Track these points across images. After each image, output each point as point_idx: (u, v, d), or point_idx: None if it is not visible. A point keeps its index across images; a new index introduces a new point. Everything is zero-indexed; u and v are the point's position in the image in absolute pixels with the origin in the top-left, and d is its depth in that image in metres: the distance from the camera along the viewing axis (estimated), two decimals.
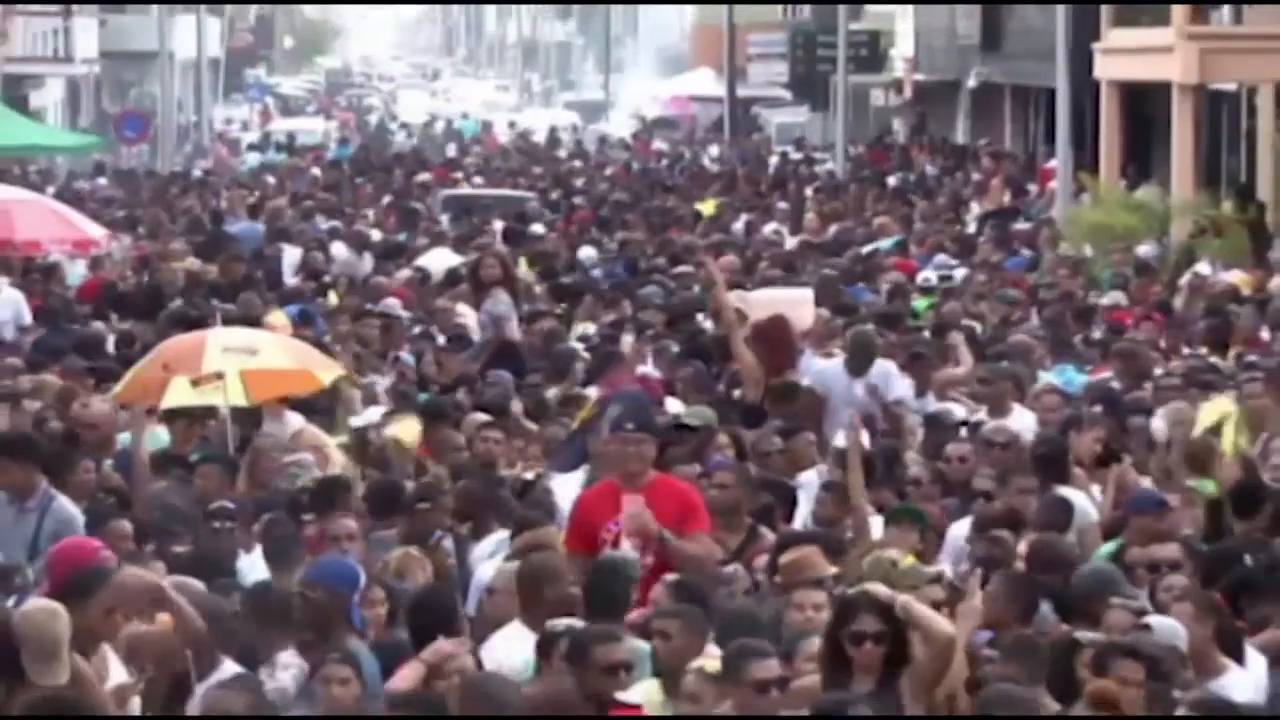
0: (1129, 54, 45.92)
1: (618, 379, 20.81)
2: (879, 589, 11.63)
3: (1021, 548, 14.64)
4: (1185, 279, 31.26)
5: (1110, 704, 11.05)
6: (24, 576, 14.02)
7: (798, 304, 24.85)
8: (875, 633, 11.31)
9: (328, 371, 20.23)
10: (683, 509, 14.28)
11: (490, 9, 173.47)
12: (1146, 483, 17.09)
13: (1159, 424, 18.79)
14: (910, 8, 65.21)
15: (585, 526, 14.37)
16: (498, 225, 39.07)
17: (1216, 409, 19.15)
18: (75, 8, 74.58)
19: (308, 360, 20.40)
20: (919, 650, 11.29)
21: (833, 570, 13.60)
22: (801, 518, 16.25)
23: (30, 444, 16.33)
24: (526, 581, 13.19)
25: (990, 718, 10.88)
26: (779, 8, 76.16)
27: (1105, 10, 46.53)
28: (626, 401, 15.62)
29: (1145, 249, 34.19)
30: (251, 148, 71.49)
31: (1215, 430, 18.61)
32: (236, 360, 19.45)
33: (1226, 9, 44.54)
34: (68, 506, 15.64)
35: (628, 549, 14.01)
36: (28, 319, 27.54)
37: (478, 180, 55.92)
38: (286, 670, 11.80)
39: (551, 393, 20.93)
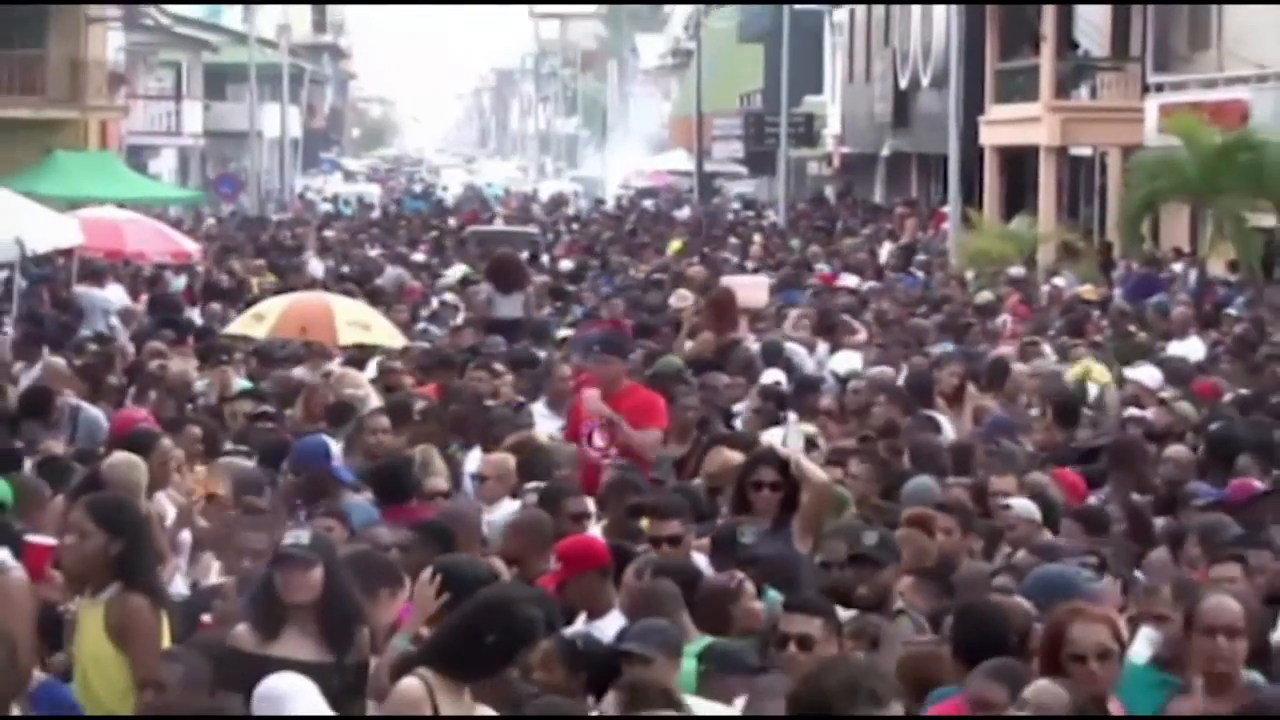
0: (1006, 124, 46.05)
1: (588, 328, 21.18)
2: (778, 447, 11.57)
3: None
4: (1045, 288, 31.44)
5: (924, 522, 10.63)
6: None
7: (757, 287, 25.45)
8: (772, 481, 11.02)
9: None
10: (645, 409, 14.15)
11: (515, 109, 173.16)
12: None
13: (1022, 368, 18.76)
14: (837, 96, 65.04)
15: (575, 423, 14.35)
16: None
17: (1079, 367, 19.07)
18: (185, 95, 74.52)
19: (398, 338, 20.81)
20: (805, 497, 11.01)
21: None
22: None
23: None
24: (522, 468, 12.79)
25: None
26: (736, 96, 75.84)
27: (988, 89, 46.57)
28: (596, 334, 15.87)
29: (1014, 269, 34.23)
30: (325, 201, 71.56)
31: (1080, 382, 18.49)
32: (358, 334, 19.89)
33: (1084, 87, 44.63)
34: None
35: (598, 440, 13.90)
36: (115, 306, 27.34)
37: (498, 222, 56.44)
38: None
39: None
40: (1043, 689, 7.08)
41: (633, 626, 8.63)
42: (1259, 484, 12.39)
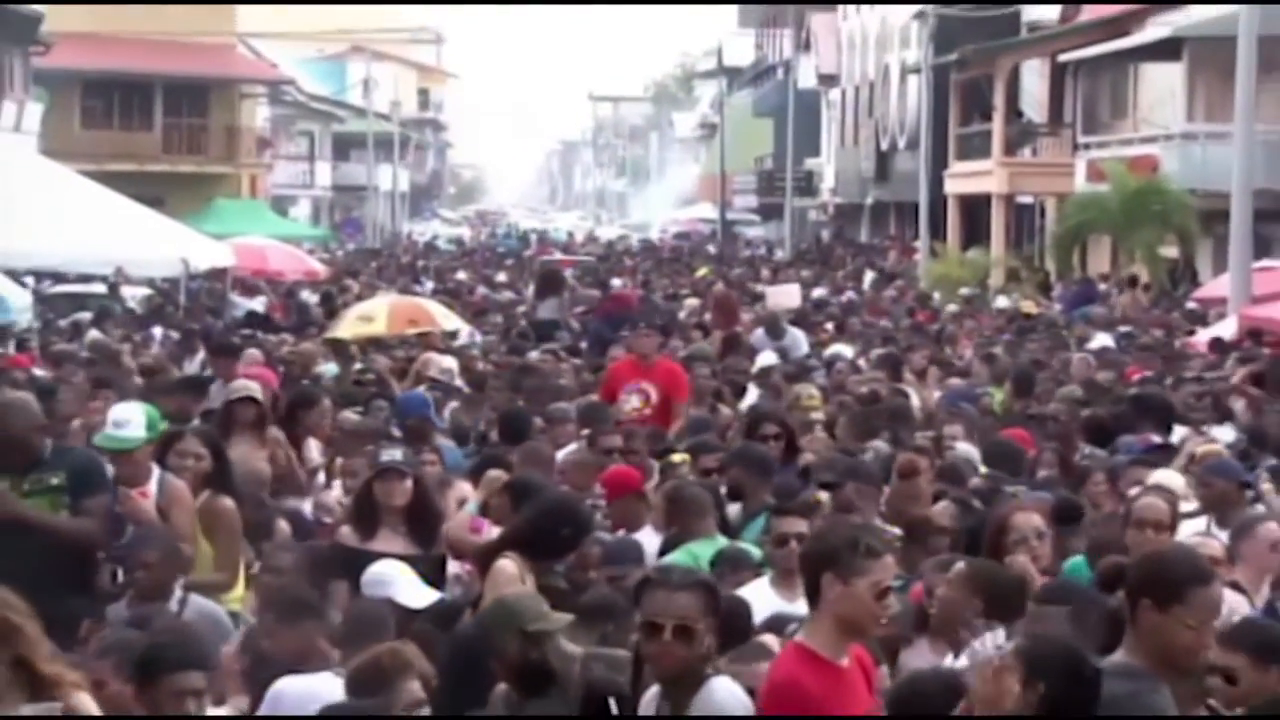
0: (965, 177, 45.82)
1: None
2: (776, 407, 11.49)
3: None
4: (997, 303, 31.30)
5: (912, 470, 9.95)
6: None
7: (790, 293, 25.21)
8: (775, 434, 10.86)
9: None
10: (674, 381, 13.89)
11: (577, 172, 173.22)
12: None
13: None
14: (831, 158, 64.91)
15: (612, 386, 13.97)
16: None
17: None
18: (317, 157, 74.92)
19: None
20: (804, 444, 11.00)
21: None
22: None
23: None
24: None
25: None
26: (751, 159, 75.73)
27: (951, 150, 46.46)
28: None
29: (966, 290, 34.08)
30: (429, 245, 71.70)
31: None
32: (453, 323, 20.45)
33: (1027, 148, 44.48)
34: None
35: (635, 401, 13.58)
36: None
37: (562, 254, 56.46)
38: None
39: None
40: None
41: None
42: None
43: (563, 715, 5.56)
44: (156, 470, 8.72)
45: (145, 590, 7.68)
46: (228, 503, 8.67)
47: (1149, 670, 5.07)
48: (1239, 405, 14.67)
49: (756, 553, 8.25)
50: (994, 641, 6.16)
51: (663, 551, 8.63)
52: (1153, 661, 5.08)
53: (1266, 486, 10.47)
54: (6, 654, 5.39)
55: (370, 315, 20.56)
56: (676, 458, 10.59)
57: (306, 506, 10.81)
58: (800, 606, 6.52)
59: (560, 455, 11.00)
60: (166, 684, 5.50)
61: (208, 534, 8.51)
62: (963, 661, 6.26)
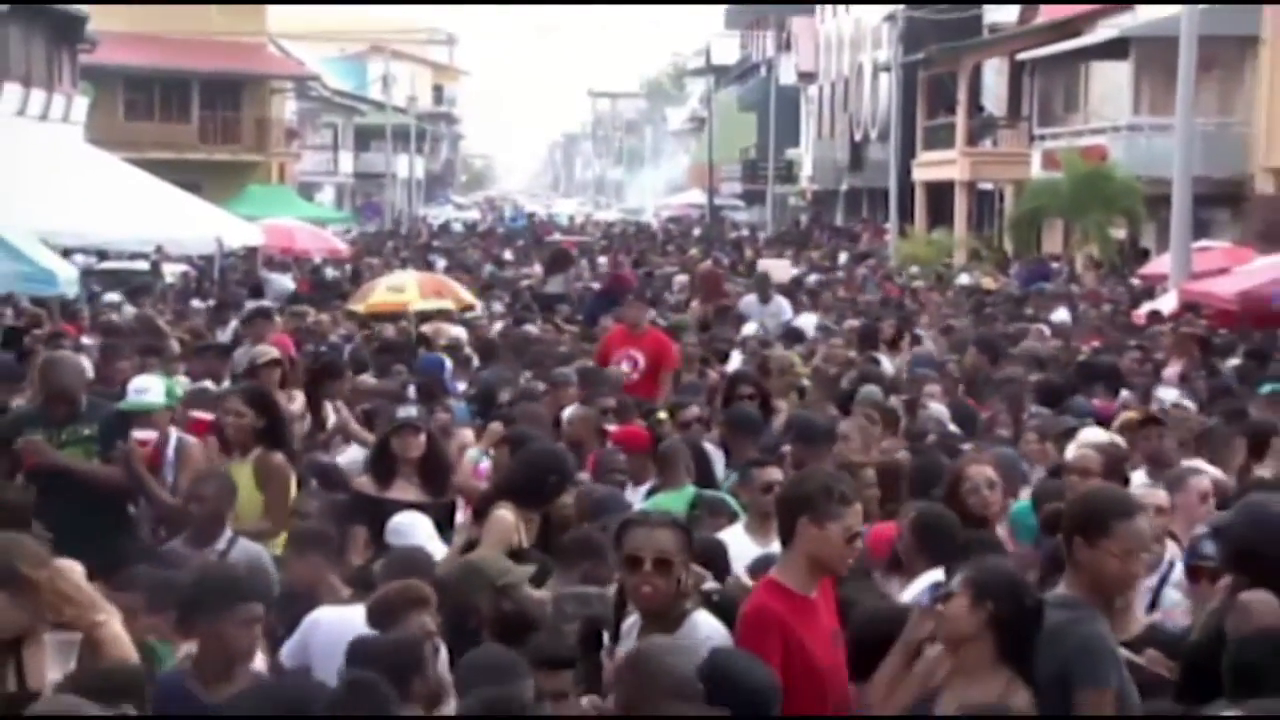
0: (931, 165, 45.87)
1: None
2: (752, 371, 11.45)
3: None
4: (958, 281, 31.28)
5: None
6: None
7: (782, 267, 25.21)
8: (750, 394, 10.93)
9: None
10: (661, 349, 13.94)
11: (578, 162, 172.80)
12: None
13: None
14: (809, 148, 64.77)
15: (604, 353, 14.04)
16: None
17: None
18: (340, 147, 74.74)
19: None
20: (777, 405, 11.10)
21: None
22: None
23: None
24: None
25: None
26: (737, 150, 75.55)
27: (918, 141, 46.40)
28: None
29: (914, 268, 34.09)
30: (443, 226, 71.52)
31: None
32: (471, 297, 20.41)
33: (988, 139, 44.42)
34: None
35: (625, 367, 13.56)
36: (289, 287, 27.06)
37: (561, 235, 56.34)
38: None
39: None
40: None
41: None
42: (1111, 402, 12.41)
43: (549, 658, 5.50)
44: (175, 433, 8.85)
45: (200, 524, 7.70)
46: (279, 457, 8.65)
47: (1086, 601, 5.06)
48: (1175, 369, 14.77)
49: (733, 501, 8.25)
50: (931, 579, 6.27)
51: (645, 500, 8.54)
52: (1087, 593, 5.07)
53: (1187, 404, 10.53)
54: (24, 599, 5.33)
55: (400, 286, 20.33)
56: (660, 415, 10.62)
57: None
58: (773, 549, 6.54)
59: (565, 414, 11.03)
60: (238, 612, 5.41)
61: (261, 486, 8.51)
62: (908, 594, 6.35)
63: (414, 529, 7.72)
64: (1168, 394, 13.07)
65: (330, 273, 31.10)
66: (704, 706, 4.76)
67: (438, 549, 7.56)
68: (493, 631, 5.92)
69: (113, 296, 23.21)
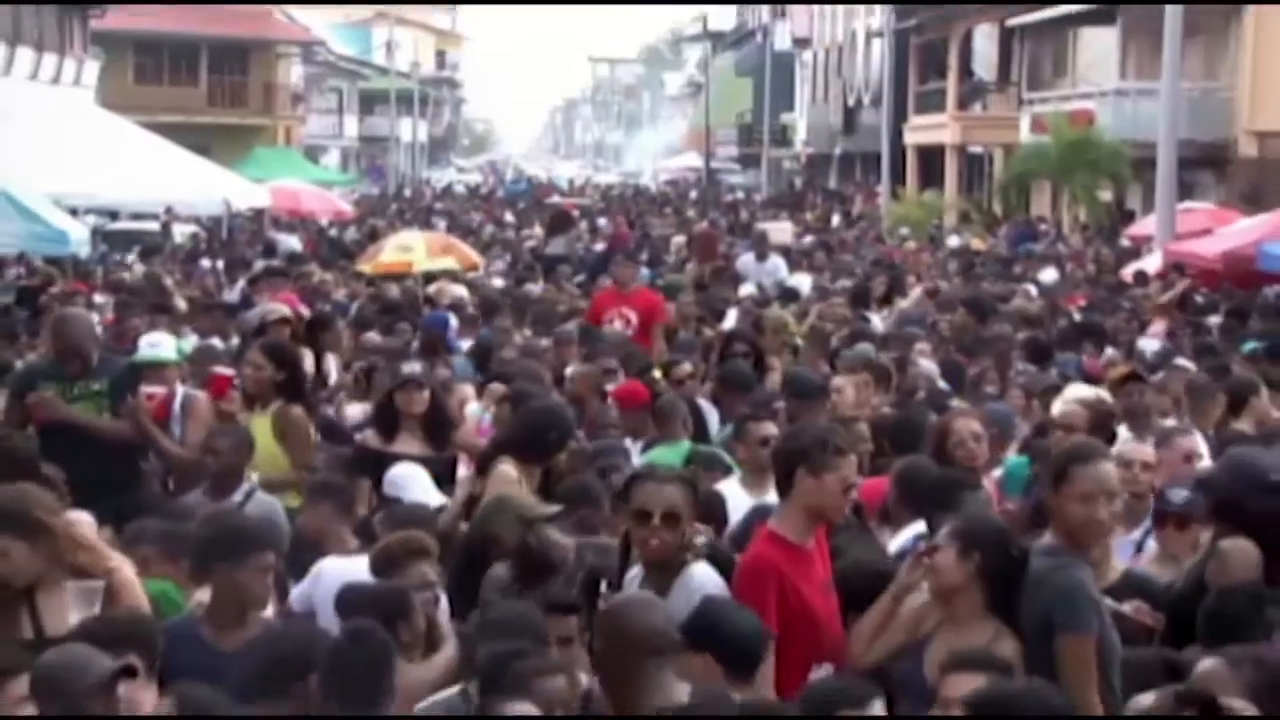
0: (922, 129, 45.73)
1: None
2: (747, 329, 11.39)
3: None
4: (949, 242, 31.21)
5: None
6: None
7: (783, 229, 25.08)
8: (745, 351, 10.89)
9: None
10: (651, 306, 13.74)
11: (578, 126, 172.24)
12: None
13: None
14: (804, 113, 64.52)
15: (596, 311, 13.78)
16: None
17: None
18: (345, 111, 74.44)
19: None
20: (771, 362, 11.01)
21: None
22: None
23: None
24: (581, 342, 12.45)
25: None
26: (733, 114, 75.30)
27: (910, 105, 46.24)
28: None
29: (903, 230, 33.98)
30: (445, 189, 71.27)
31: None
32: (476, 257, 20.07)
33: (978, 103, 44.29)
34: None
35: (617, 324, 13.31)
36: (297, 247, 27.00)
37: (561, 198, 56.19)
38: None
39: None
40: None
41: None
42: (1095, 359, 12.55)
43: (558, 603, 5.46)
44: (181, 388, 8.86)
45: (216, 477, 7.69)
46: (298, 410, 8.62)
47: (1066, 549, 5.03)
48: (1160, 326, 14.78)
49: (726, 456, 8.22)
50: (914, 532, 6.31)
51: (642, 454, 8.54)
52: (1063, 539, 5.04)
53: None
54: (41, 547, 5.33)
55: (408, 245, 20.24)
56: (655, 373, 10.58)
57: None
58: (768, 502, 6.55)
59: (567, 372, 11.01)
60: (252, 561, 5.40)
61: (280, 438, 8.51)
62: (894, 546, 6.37)
63: (410, 480, 7.68)
64: (1149, 344, 13.12)
65: (342, 234, 31.07)
66: (679, 659, 4.75)
67: (435, 500, 7.54)
68: (516, 568, 5.88)
69: (130, 257, 23.23)
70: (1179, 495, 6.67)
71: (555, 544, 5.86)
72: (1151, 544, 6.88)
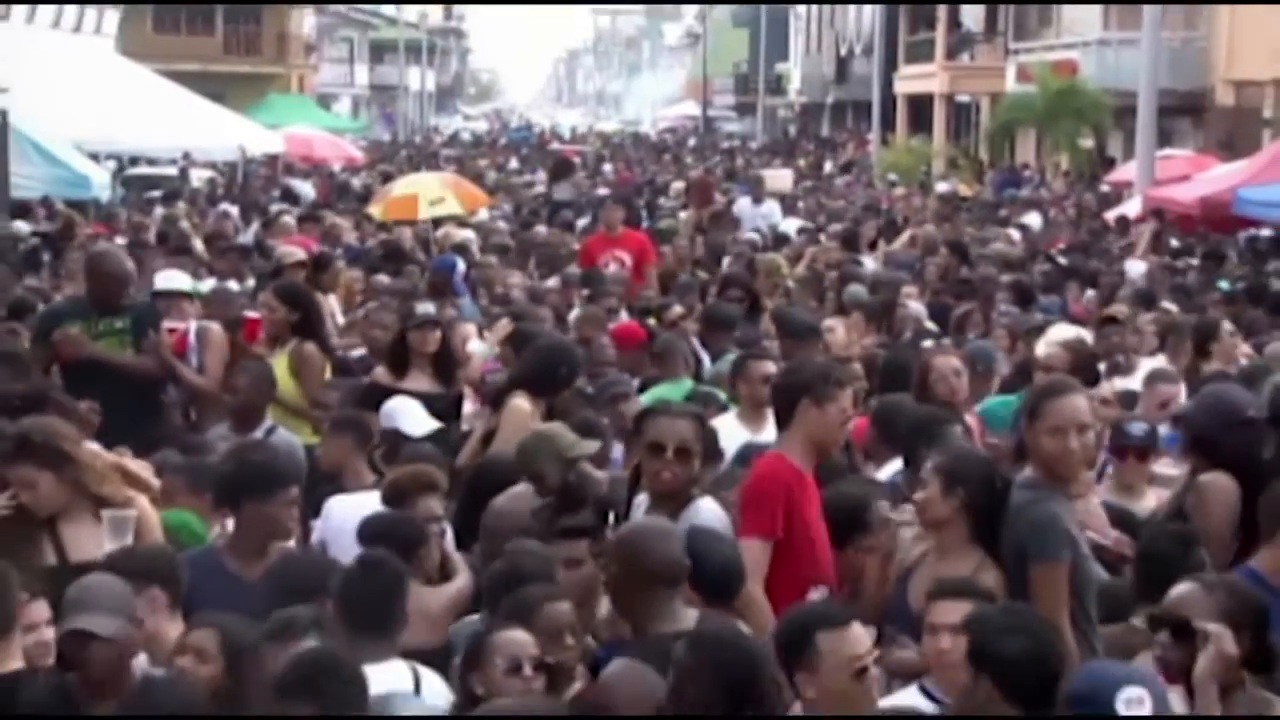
0: (913, 78, 45.48)
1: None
2: (742, 273, 11.31)
3: None
4: (938, 188, 31.07)
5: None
6: None
7: (784, 176, 24.85)
8: (739, 296, 10.70)
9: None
10: (641, 248, 13.72)
11: (580, 75, 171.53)
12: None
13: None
14: (798, 62, 64.17)
15: (589, 254, 13.72)
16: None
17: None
18: (356, 59, 74.01)
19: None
20: (765, 304, 10.86)
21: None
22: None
23: None
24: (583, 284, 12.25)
25: None
26: (730, 64, 74.94)
27: (900, 55, 45.98)
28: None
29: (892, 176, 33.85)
30: (452, 136, 70.97)
31: None
32: (483, 199, 19.35)
33: (966, 53, 44.05)
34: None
35: (613, 268, 13.19)
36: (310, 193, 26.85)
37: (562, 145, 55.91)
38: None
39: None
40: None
41: None
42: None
43: (569, 527, 5.44)
44: (194, 323, 8.87)
45: (237, 414, 7.69)
46: (311, 348, 8.63)
47: (1044, 481, 5.01)
48: (1140, 267, 14.78)
49: (721, 394, 8.23)
50: (894, 468, 6.34)
51: (640, 391, 8.54)
52: (1041, 473, 5.01)
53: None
54: (67, 476, 5.34)
55: (439, 197, 19.62)
56: (650, 320, 10.56)
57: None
58: (763, 437, 6.60)
59: (572, 314, 11.02)
60: (279, 495, 5.39)
61: (295, 375, 8.50)
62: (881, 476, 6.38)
63: (402, 412, 7.59)
64: (1135, 268, 13.04)
65: (353, 180, 30.95)
66: (685, 588, 4.77)
67: (428, 426, 7.48)
68: (556, 501, 5.82)
69: (154, 194, 23.17)
70: (1138, 428, 6.72)
71: (594, 480, 5.91)
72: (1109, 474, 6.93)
